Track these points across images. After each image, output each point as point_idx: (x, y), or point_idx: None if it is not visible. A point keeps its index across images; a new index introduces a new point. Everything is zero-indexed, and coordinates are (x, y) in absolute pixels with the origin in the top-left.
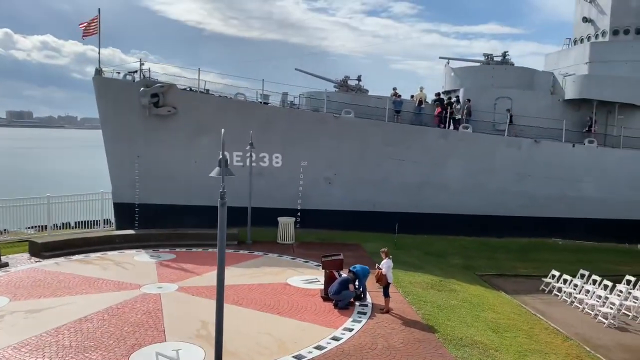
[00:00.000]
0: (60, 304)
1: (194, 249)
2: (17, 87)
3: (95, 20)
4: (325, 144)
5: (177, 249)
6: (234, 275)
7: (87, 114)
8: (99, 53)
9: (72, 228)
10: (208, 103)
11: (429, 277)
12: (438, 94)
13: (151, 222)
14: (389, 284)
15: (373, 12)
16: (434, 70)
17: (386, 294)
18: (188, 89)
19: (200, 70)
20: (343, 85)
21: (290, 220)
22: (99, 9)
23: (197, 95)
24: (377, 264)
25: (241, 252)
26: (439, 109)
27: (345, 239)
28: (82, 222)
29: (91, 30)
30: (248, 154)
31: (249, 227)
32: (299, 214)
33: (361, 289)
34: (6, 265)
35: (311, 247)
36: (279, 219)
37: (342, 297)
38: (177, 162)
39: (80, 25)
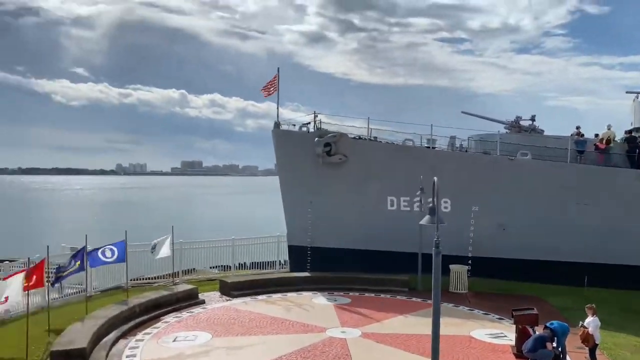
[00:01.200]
0: (255, 343)
1: (366, 294)
2: (190, 140)
3: (274, 80)
4: (499, 188)
5: (350, 293)
6: (411, 323)
7: (247, 162)
8: (277, 108)
9: (248, 268)
10: (377, 150)
11: (635, 339)
12: (629, 132)
13: (322, 265)
14: (597, 345)
15: (523, 50)
16: (597, 105)
17: (592, 357)
18: (357, 137)
19: (353, 117)
20: (515, 125)
21: (464, 268)
22: (278, 69)
23: (366, 142)
24: (581, 322)
25: (414, 299)
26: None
27: (523, 291)
28: (258, 262)
29: (272, 90)
30: (416, 199)
31: (420, 274)
32: (469, 261)
33: (560, 349)
34: (203, 302)
35: (487, 298)
36: (450, 266)
37: (538, 355)
38: (346, 207)
39: (263, 90)
